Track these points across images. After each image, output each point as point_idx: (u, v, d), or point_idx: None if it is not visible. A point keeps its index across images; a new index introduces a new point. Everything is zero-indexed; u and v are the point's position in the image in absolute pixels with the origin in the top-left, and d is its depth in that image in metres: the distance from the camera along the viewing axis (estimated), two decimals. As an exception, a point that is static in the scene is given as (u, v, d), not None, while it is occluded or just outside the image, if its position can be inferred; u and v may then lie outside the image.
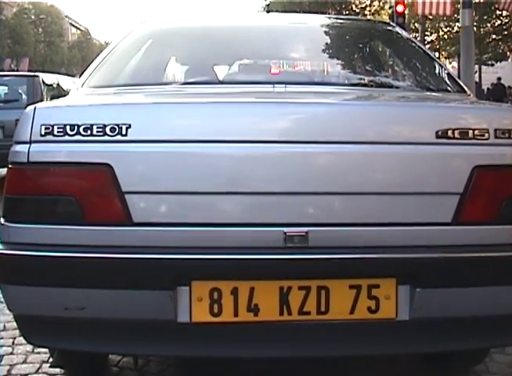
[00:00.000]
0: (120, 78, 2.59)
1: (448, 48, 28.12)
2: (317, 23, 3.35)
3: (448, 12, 18.29)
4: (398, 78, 2.91)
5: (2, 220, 1.87)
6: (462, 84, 2.66)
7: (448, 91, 2.60)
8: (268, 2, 33.61)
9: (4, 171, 6.47)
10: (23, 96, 8.17)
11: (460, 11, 12.74)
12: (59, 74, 11.58)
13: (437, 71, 2.81)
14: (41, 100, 7.05)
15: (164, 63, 2.88)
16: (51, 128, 1.80)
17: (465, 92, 2.57)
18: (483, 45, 25.26)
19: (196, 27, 3.17)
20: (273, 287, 1.80)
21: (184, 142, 1.81)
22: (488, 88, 25.89)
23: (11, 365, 2.67)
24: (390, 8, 20.95)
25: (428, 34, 28.37)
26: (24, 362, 2.70)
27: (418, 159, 1.84)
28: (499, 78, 25.82)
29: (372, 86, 2.60)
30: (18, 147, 1.84)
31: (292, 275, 1.80)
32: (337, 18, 4.13)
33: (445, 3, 17.70)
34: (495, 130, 1.85)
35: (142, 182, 1.81)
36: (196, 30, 3.11)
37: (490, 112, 2.02)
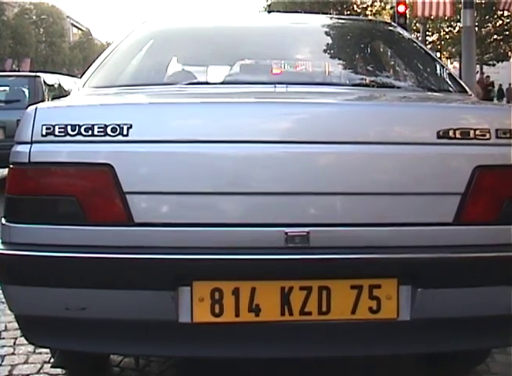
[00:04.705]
0: (122, 78, 2.59)
1: (449, 48, 28.11)
2: (318, 23, 3.35)
3: (448, 13, 18.26)
4: (400, 78, 2.91)
5: (3, 220, 1.87)
6: (463, 84, 2.66)
7: (450, 91, 2.60)
8: (269, 2, 33.55)
9: (5, 171, 6.45)
10: (25, 97, 8.17)
11: (462, 11, 12.76)
12: (60, 74, 11.58)
13: (438, 71, 2.81)
14: (43, 100, 7.05)
15: (165, 63, 2.88)
16: (52, 128, 1.80)
17: (466, 92, 2.57)
18: (484, 45, 25.27)
19: (198, 27, 3.17)
20: (274, 288, 1.80)
21: (185, 142, 1.81)
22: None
23: (12, 365, 2.67)
24: (391, 8, 20.92)
25: (430, 34, 28.37)
26: (26, 362, 2.70)
27: (419, 159, 1.84)
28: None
29: (373, 86, 2.60)
30: (19, 147, 1.84)
31: (293, 275, 1.80)
32: (338, 18, 4.12)
33: (445, 4, 17.68)
34: (497, 130, 1.85)
35: (143, 183, 1.81)
36: (197, 30, 3.11)
37: (491, 112, 2.01)
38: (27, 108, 1.90)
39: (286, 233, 1.79)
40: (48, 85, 8.46)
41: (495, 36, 25.75)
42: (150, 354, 2.39)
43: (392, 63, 3.22)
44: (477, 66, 22.17)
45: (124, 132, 1.79)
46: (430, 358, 2.62)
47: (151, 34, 3.04)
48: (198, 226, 1.80)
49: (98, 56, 2.76)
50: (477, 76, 21.09)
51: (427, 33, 27.47)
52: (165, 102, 2.07)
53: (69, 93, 2.62)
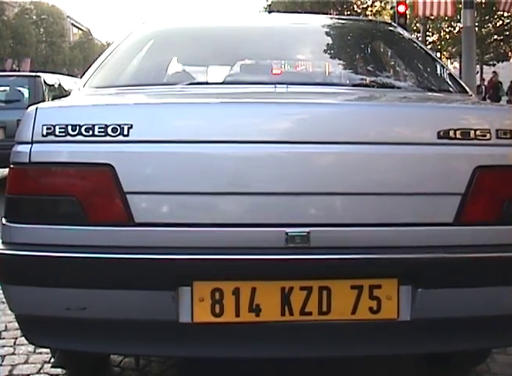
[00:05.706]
0: (122, 78, 2.60)
1: (449, 48, 28.13)
2: (318, 23, 3.35)
3: (449, 13, 18.26)
4: (400, 79, 2.91)
5: (4, 220, 1.87)
6: (463, 84, 2.66)
7: (450, 91, 2.60)
8: (269, 2, 33.57)
9: (5, 171, 6.45)
10: (25, 97, 8.18)
11: (462, 11, 12.76)
12: (60, 74, 11.57)
13: (438, 72, 2.81)
14: (43, 100, 7.05)
15: (166, 63, 2.88)
16: (52, 128, 1.80)
17: (466, 92, 2.57)
18: (485, 46, 25.30)
19: (198, 27, 3.17)
20: (275, 288, 1.80)
21: (185, 142, 1.81)
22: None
23: (12, 365, 2.67)
24: (391, 8, 20.92)
25: (430, 34, 28.39)
26: (26, 362, 2.70)
27: (420, 159, 1.84)
28: None
29: (373, 86, 2.59)
30: (20, 147, 1.84)
31: (293, 275, 1.80)
32: (338, 18, 4.13)
33: (446, 4, 17.68)
34: (497, 130, 1.85)
35: (144, 183, 1.81)
36: (197, 30, 3.11)
37: (492, 112, 2.02)
38: (27, 108, 1.90)
39: (287, 233, 1.79)
40: (49, 85, 8.45)
41: (496, 36, 25.77)
42: (150, 354, 2.40)
43: (392, 63, 3.23)
44: (478, 66, 22.15)
45: (125, 132, 1.79)
46: (430, 358, 2.62)
47: (151, 34, 3.05)
48: (198, 226, 1.80)
49: (98, 56, 2.76)
50: (478, 76, 21.04)
51: (428, 33, 27.49)
52: (166, 102, 2.07)
53: (69, 93, 2.62)
